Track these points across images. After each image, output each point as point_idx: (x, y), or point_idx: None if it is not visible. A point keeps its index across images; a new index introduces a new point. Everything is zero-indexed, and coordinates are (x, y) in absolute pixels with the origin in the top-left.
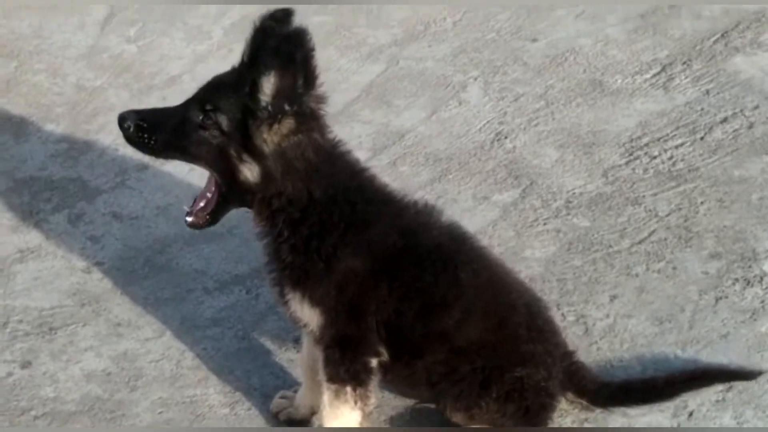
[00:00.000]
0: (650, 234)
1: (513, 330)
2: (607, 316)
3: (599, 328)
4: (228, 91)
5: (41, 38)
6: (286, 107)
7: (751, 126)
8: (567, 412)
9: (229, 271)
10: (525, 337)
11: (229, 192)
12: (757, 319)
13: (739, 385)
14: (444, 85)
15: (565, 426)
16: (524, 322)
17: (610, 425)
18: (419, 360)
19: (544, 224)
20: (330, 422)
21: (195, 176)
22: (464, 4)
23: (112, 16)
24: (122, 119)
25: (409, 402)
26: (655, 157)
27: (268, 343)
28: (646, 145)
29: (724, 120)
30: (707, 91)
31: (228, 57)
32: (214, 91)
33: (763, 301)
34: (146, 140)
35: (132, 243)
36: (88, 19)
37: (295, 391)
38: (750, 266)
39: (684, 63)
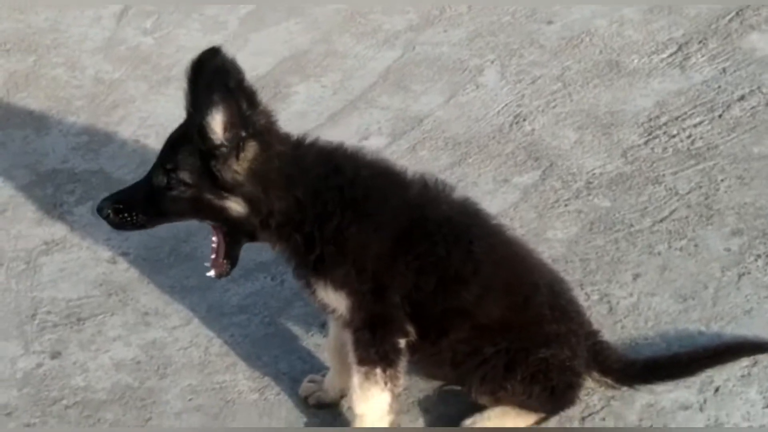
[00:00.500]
0: (671, 212)
1: (536, 310)
2: (631, 294)
3: (623, 306)
4: (181, 145)
5: (58, 32)
6: (243, 134)
7: None
8: (594, 391)
9: (253, 258)
10: (548, 317)
11: (230, 231)
12: None
13: (764, 359)
14: (461, 69)
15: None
16: (547, 302)
17: (637, 402)
18: (444, 338)
19: (566, 205)
20: (360, 404)
21: None
22: None
23: (128, 8)
24: (100, 210)
25: (435, 384)
26: (673, 136)
27: (295, 329)
28: (665, 124)
29: (742, 98)
30: (724, 69)
31: (244, 47)
32: (170, 151)
33: None
34: (129, 219)
35: (156, 232)
36: (104, 11)
37: (323, 375)
38: None
39: (700, 42)
